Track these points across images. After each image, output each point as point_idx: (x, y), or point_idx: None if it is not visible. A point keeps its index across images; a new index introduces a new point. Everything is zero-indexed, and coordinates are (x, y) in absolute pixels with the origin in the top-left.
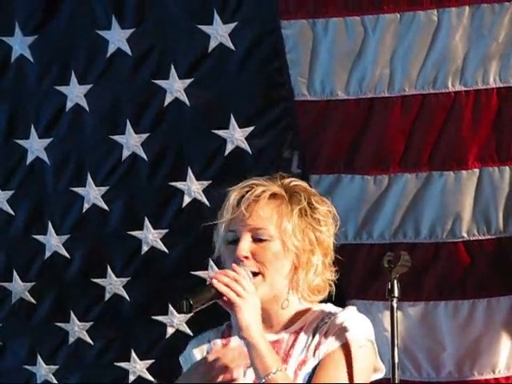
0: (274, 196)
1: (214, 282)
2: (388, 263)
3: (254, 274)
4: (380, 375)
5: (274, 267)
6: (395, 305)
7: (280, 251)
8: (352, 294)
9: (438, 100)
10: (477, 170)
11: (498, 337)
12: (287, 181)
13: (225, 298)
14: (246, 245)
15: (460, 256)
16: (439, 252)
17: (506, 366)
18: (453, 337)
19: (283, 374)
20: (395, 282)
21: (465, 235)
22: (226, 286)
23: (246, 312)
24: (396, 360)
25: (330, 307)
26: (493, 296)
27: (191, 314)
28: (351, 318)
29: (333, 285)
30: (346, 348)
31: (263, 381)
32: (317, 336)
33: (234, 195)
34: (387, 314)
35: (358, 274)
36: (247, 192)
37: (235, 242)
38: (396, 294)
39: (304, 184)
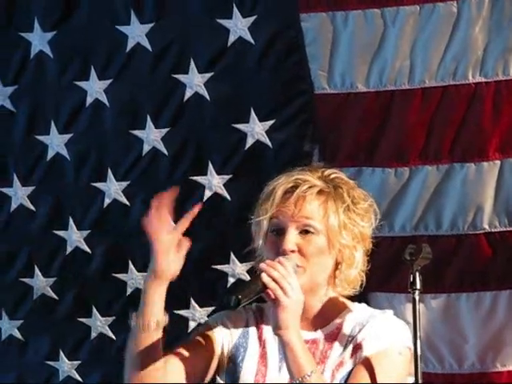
0: (320, 192)
1: (264, 276)
2: (410, 255)
3: (298, 267)
4: (412, 380)
5: (317, 261)
6: (417, 297)
7: (324, 246)
8: (374, 287)
9: (459, 91)
10: (498, 162)
11: None
12: (327, 172)
13: (270, 292)
14: (292, 238)
15: (481, 248)
16: (461, 244)
17: None
18: (475, 328)
19: (318, 376)
20: (417, 274)
21: (486, 227)
22: (275, 281)
23: (289, 312)
24: (419, 352)
25: (366, 309)
26: None
27: (213, 308)
28: (391, 323)
29: (363, 276)
30: (384, 354)
31: (297, 382)
32: (355, 339)
33: (280, 188)
34: (409, 306)
35: (380, 267)
36: (292, 187)
37: (280, 234)
38: (418, 286)
39: (343, 176)
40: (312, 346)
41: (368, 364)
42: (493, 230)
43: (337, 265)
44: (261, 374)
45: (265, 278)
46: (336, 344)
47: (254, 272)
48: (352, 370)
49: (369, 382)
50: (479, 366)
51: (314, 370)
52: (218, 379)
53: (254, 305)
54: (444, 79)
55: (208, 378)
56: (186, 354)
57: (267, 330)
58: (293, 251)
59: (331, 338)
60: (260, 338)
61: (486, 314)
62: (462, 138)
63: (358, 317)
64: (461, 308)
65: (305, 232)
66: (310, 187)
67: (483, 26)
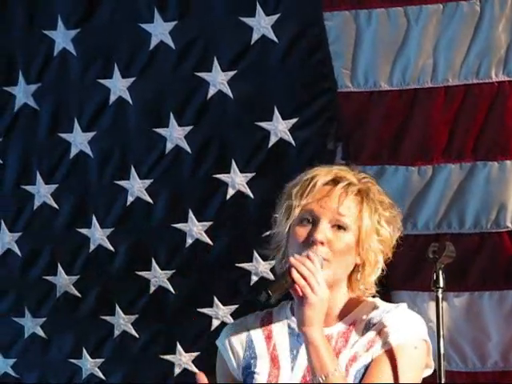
0: (358, 192)
1: (294, 272)
2: (433, 254)
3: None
4: (430, 371)
5: (343, 258)
6: (440, 295)
7: (353, 245)
8: (397, 285)
9: (482, 90)
10: None
11: None
12: (360, 176)
13: (298, 289)
14: (325, 230)
15: (504, 246)
16: (484, 242)
17: None
18: (498, 327)
19: (341, 375)
20: (440, 272)
21: (509, 225)
22: (304, 278)
23: (315, 310)
24: (442, 351)
25: (380, 303)
26: None
27: (236, 306)
28: (406, 317)
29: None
30: (400, 349)
31: (320, 380)
32: (369, 333)
33: (320, 180)
34: (432, 304)
35: (403, 265)
36: (332, 180)
37: (313, 223)
38: (441, 284)
39: (374, 181)
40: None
41: (384, 360)
42: None
43: (356, 266)
44: (274, 376)
45: (295, 274)
46: (350, 339)
47: (282, 268)
48: (368, 364)
49: (385, 377)
50: (502, 364)
51: (338, 369)
52: None
53: (263, 311)
54: (467, 78)
55: None
56: None
57: (277, 332)
58: (322, 243)
59: (345, 333)
60: (268, 341)
61: (509, 312)
62: (484, 137)
63: (370, 311)
64: (484, 306)
65: (337, 227)
66: (349, 184)
67: (506, 24)
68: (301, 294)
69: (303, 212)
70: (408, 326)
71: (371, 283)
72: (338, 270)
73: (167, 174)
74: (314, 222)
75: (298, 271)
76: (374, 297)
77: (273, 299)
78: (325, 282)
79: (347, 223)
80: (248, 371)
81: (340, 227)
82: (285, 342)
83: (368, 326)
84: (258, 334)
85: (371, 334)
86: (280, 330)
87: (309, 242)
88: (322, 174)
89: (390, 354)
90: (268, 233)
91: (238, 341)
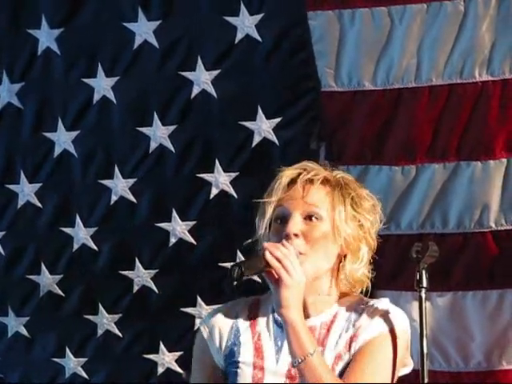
0: (327, 181)
1: (267, 254)
2: (416, 254)
3: (301, 253)
4: (408, 370)
5: (321, 247)
6: (424, 295)
7: (329, 233)
8: (380, 285)
9: (465, 90)
10: (504, 160)
11: None
12: (335, 173)
13: (273, 271)
14: (297, 222)
15: (488, 246)
16: (467, 242)
17: None
18: (481, 327)
19: (319, 357)
20: (423, 272)
21: (493, 225)
22: (278, 260)
23: (292, 291)
24: (425, 350)
25: (361, 298)
26: None
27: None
28: (386, 309)
29: (368, 281)
30: (385, 337)
31: (299, 361)
32: (351, 329)
33: (285, 175)
34: (416, 304)
35: (386, 265)
36: (299, 174)
37: (284, 220)
38: (424, 284)
39: (350, 176)
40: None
41: (364, 352)
42: (499, 229)
43: (341, 258)
44: (258, 367)
45: (268, 255)
46: (332, 333)
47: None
48: (349, 361)
49: (369, 367)
50: (485, 364)
51: (316, 350)
52: None
53: (251, 297)
54: (451, 77)
55: None
56: None
57: (262, 321)
58: (296, 235)
59: (327, 326)
60: (253, 330)
61: (493, 312)
62: (468, 137)
63: (354, 305)
64: (467, 306)
65: (309, 218)
66: (316, 174)
67: (490, 24)
68: (276, 276)
69: (276, 211)
70: (389, 317)
71: (359, 280)
72: (317, 261)
73: (151, 174)
74: (287, 218)
75: (272, 254)
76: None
77: (245, 277)
78: (306, 276)
79: (318, 212)
80: (231, 360)
81: (312, 217)
82: (270, 332)
83: (352, 319)
84: (244, 322)
85: (355, 327)
86: (265, 319)
87: (283, 238)
88: (287, 171)
89: (376, 342)
90: (250, 240)
91: (224, 326)
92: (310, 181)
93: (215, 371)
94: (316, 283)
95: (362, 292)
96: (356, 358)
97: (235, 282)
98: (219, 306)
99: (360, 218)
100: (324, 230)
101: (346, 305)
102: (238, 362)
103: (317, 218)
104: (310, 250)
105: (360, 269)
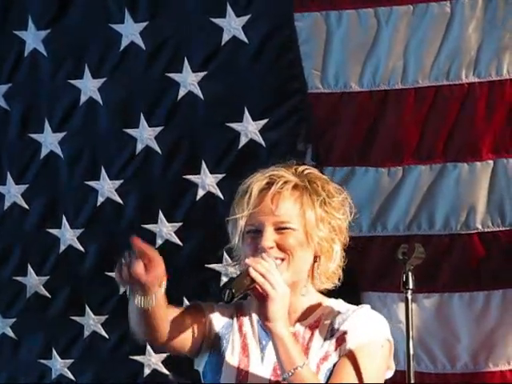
0: (295, 187)
1: (251, 271)
2: (402, 255)
3: (278, 259)
4: (390, 374)
5: (297, 254)
6: (410, 297)
7: (303, 240)
8: (366, 286)
9: (452, 91)
10: (491, 162)
11: None
12: (301, 169)
13: (258, 287)
14: (270, 236)
15: (474, 247)
16: (454, 244)
17: None
18: (468, 328)
19: (309, 368)
20: (410, 273)
21: (479, 227)
22: (262, 275)
23: (277, 304)
24: (411, 352)
25: (343, 304)
26: (508, 287)
27: None
28: (368, 317)
29: (341, 270)
30: (368, 347)
31: (290, 374)
32: (338, 331)
33: (255, 187)
34: (402, 305)
35: (373, 266)
36: (268, 184)
37: (257, 232)
38: (411, 285)
39: (317, 172)
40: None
41: (352, 357)
42: (486, 230)
43: (315, 258)
44: (243, 364)
45: (252, 272)
46: (316, 335)
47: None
48: (336, 362)
49: (352, 376)
50: (472, 365)
51: (306, 363)
52: (195, 365)
53: (235, 302)
54: (437, 79)
55: (192, 349)
56: (184, 315)
57: (247, 322)
58: (271, 248)
59: (310, 331)
60: (240, 330)
61: (479, 313)
62: (455, 138)
63: (337, 310)
64: (453, 307)
65: (281, 229)
66: (285, 183)
67: (476, 26)
68: (261, 291)
69: (248, 224)
70: (370, 327)
71: (333, 274)
72: (295, 268)
73: (137, 175)
74: (260, 230)
75: (256, 270)
76: (352, 300)
77: (236, 298)
78: (285, 283)
79: (288, 222)
80: (218, 346)
81: (283, 228)
82: (254, 332)
83: (333, 326)
84: (235, 322)
85: (340, 332)
86: (250, 320)
87: (259, 251)
88: (256, 181)
89: (358, 353)
90: (226, 247)
91: (223, 315)
92: (279, 191)
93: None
94: (296, 286)
95: (344, 289)
96: (340, 365)
97: (228, 304)
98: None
99: (331, 218)
100: (297, 239)
101: (328, 310)
102: (224, 357)
103: (288, 228)
104: (287, 256)
105: (333, 265)
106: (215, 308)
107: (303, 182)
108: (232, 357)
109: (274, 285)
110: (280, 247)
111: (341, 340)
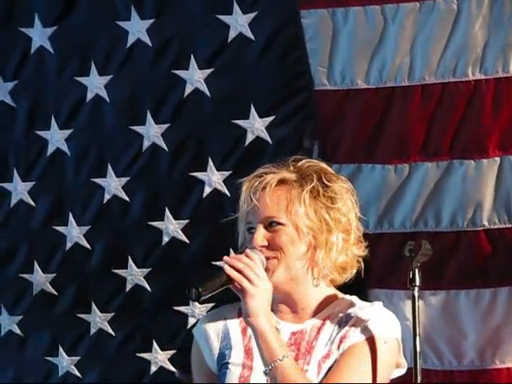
0: (282, 182)
1: (227, 268)
2: (409, 252)
3: (270, 258)
4: (402, 371)
5: (290, 251)
6: (417, 294)
7: (294, 235)
8: (373, 283)
9: (459, 88)
10: (498, 159)
11: None
12: (301, 163)
13: (236, 283)
14: (259, 235)
15: (481, 244)
16: (460, 241)
17: None
18: (474, 325)
19: (290, 361)
20: (416, 270)
21: (486, 224)
22: (239, 271)
23: (257, 299)
24: (418, 349)
25: (356, 300)
26: None
27: (213, 305)
28: (378, 313)
29: (361, 261)
30: (370, 342)
31: (270, 367)
32: (342, 330)
33: (246, 186)
34: (408, 302)
35: (379, 263)
36: (257, 182)
37: (252, 231)
38: (417, 282)
39: (319, 163)
40: (299, 337)
41: (353, 352)
42: (492, 227)
43: (314, 249)
44: (247, 367)
45: (227, 269)
46: (322, 335)
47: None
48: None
49: (352, 369)
50: (478, 362)
51: (286, 355)
52: None
53: (238, 303)
54: (444, 76)
55: None
56: None
57: None
58: (263, 246)
59: (317, 329)
60: (244, 333)
61: (486, 310)
62: (461, 135)
63: (344, 308)
64: (460, 305)
65: (270, 225)
66: (271, 179)
67: (483, 23)
68: (239, 287)
69: (245, 223)
70: (380, 321)
71: (346, 265)
72: (290, 261)
73: (144, 172)
74: (254, 230)
75: (233, 266)
76: (358, 297)
77: (203, 297)
78: (280, 280)
79: (276, 218)
80: (222, 362)
81: (273, 225)
82: None
83: (343, 322)
84: (234, 325)
85: (345, 329)
86: None
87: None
88: (247, 181)
89: (361, 346)
90: (232, 246)
91: (215, 331)
92: (263, 189)
93: (211, 377)
94: (297, 284)
95: (351, 285)
96: (342, 357)
97: (196, 302)
98: (208, 313)
99: (322, 208)
100: (288, 233)
101: (339, 307)
102: (228, 364)
103: (278, 223)
104: (280, 254)
105: (339, 256)
106: (206, 338)
107: (293, 175)
108: (236, 361)
109: (253, 280)
110: (272, 246)
111: (343, 337)
